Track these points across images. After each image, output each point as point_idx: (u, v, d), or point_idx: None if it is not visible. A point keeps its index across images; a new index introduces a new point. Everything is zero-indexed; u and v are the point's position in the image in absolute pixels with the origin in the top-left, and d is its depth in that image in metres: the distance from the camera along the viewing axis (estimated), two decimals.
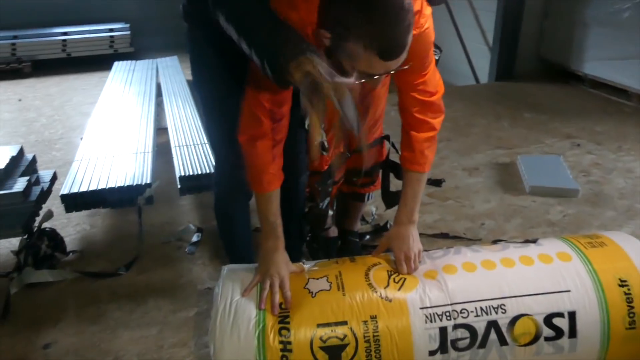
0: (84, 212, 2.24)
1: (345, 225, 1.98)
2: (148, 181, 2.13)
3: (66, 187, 2.08)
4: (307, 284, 1.25)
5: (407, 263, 1.29)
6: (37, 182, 2.11)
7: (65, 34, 5.03)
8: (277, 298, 1.20)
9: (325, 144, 1.53)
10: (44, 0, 5.14)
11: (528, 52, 4.36)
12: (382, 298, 1.20)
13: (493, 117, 3.46)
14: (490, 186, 2.53)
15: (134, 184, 2.11)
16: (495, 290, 1.22)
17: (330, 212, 1.86)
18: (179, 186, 2.18)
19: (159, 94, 3.44)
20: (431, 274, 1.27)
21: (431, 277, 1.25)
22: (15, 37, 4.91)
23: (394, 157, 1.68)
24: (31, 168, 2.16)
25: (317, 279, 1.26)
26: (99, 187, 2.09)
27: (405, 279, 1.25)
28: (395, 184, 1.73)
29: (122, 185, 2.10)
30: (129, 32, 5.18)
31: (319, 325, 1.16)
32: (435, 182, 2.51)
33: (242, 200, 1.56)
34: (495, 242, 1.48)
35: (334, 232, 1.97)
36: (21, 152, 2.17)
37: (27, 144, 3.12)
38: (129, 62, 4.17)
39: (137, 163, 2.30)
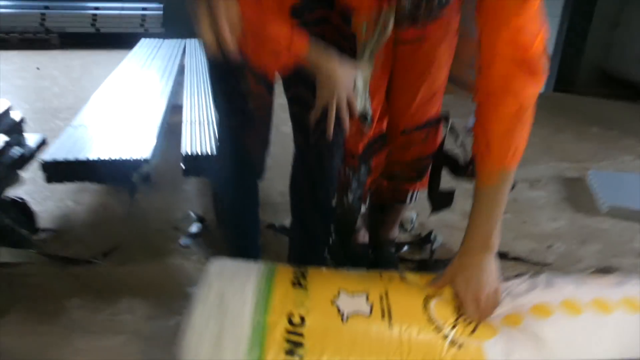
0: (70, 187, 1.92)
1: (381, 232, 1.57)
2: (147, 156, 1.80)
3: (50, 153, 1.77)
4: (337, 297, 0.84)
5: (477, 306, 0.89)
6: (20, 144, 1.81)
7: (96, 8, 4.84)
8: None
9: (369, 114, 1.13)
10: None
11: (590, 63, 3.92)
12: (448, 340, 0.79)
13: (552, 128, 3.01)
14: (557, 202, 2.09)
15: (131, 158, 1.79)
16: (613, 346, 0.79)
17: (363, 209, 1.47)
18: (182, 166, 1.85)
19: (181, 73, 3.16)
20: (513, 318, 0.85)
21: (514, 324, 0.84)
22: (46, 8, 4.74)
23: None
24: (16, 129, 1.85)
25: (353, 295, 0.85)
26: (90, 158, 1.77)
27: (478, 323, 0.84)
28: (445, 182, 1.33)
29: (116, 158, 1.78)
30: (161, 12, 4.95)
31: None
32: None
33: (250, 180, 1.21)
34: (603, 270, 1.05)
35: (364, 237, 1.57)
36: (7, 111, 1.86)
37: (30, 109, 2.85)
38: (157, 40, 3.95)
39: (140, 136, 1.98)
